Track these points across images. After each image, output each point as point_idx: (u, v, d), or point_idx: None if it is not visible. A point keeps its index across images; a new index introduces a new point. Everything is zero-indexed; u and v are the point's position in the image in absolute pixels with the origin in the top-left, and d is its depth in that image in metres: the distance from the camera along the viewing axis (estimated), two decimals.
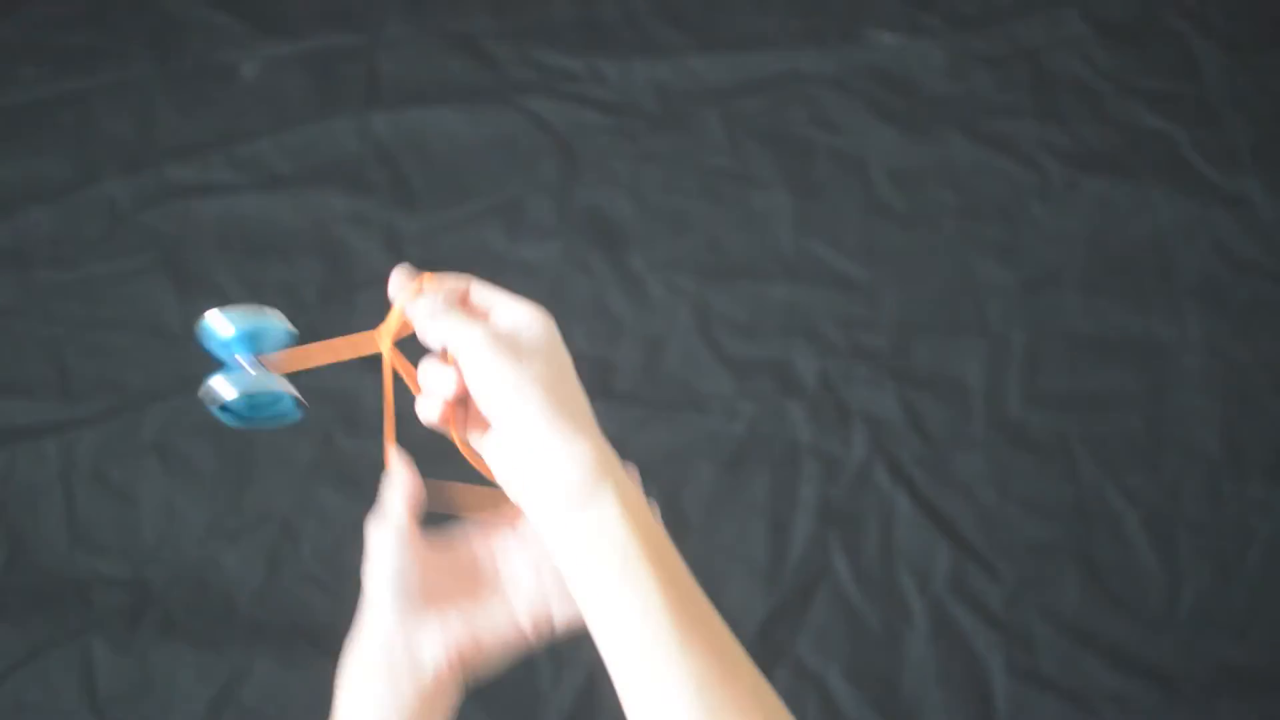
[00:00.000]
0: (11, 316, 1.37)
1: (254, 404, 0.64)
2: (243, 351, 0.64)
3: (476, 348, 0.59)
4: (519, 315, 0.62)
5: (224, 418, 0.64)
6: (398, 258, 1.38)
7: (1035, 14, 1.53)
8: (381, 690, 0.64)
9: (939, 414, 1.31)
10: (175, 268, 1.39)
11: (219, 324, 0.64)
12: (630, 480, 0.60)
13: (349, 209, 1.42)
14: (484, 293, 0.63)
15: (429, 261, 1.38)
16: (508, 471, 0.61)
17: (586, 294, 1.38)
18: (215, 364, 0.65)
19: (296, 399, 0.65)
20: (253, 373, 0.64)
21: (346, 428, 1.29)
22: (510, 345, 0.60)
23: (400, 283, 0.64)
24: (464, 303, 0.63)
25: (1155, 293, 1.38)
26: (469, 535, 0.74)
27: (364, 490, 1.25)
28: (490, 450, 0.63)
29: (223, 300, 1.36)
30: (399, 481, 0.68)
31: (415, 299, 0.62)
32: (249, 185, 1.44)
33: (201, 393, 0.63)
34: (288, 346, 0.65)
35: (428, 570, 0.69)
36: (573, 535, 0.58)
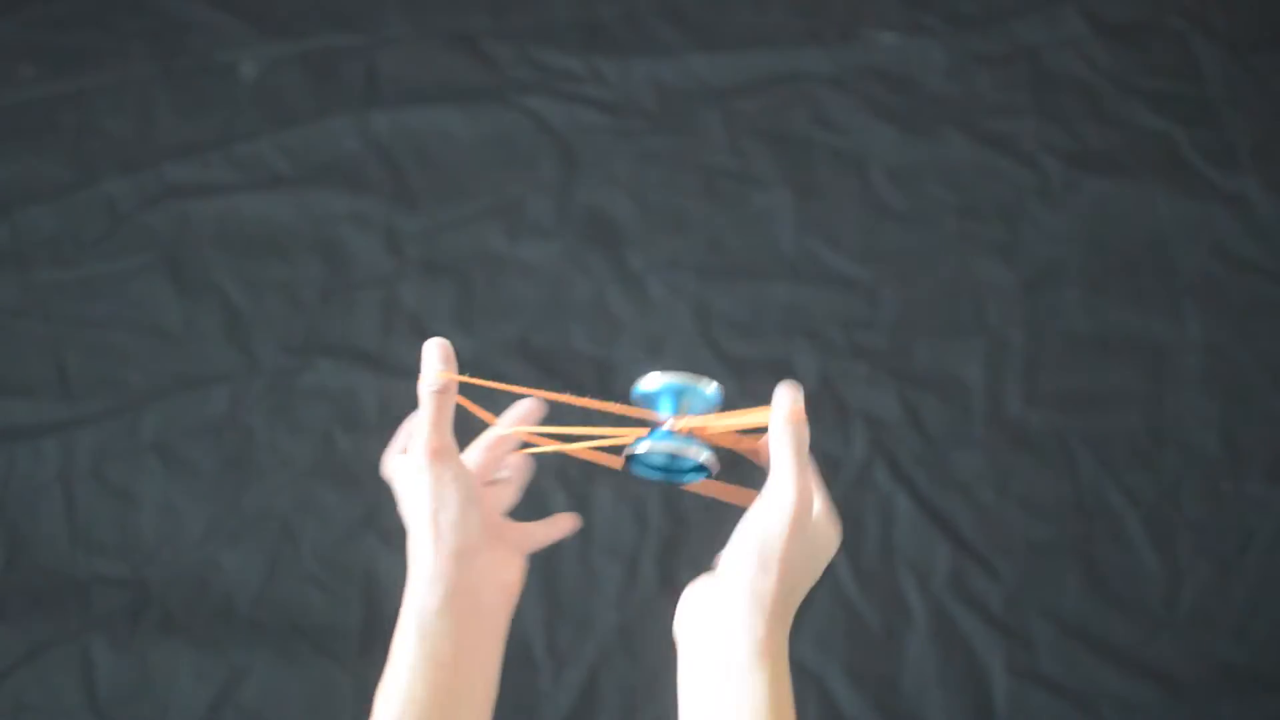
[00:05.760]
0: (11, 316, 1.37)
1: (672, 463, 0.69)
2: (668, 411, 0.68)
3: (803, 510, 0.62)
4: (828, 525, 0.65)
5: (641, 471, 0.69)
6: (398, 257, 1.38)
7: (1035, 14, 1.53)
8: (442, 637, 0.63)
9: (939, 414, 1.31)
10: (175, 268, 1.39)
11: (649, 383, 0.68)
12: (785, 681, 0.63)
13: (349, 209, 1.42)
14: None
15: (430, 261, 1.38)
16: (699, 604, 0.63)
17: (586, 294, 1.38)
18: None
19: (702, 464, 0.68)
20: (674, 433, 0.68)
21: (346, 428, 1.29)
22: (813, 543, 0.63)
23: (790, 398, 0.65)
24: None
25: (1155, 292, 1.37)
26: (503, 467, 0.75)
27: (364, 490, 1.26)
28: (703, 581, 0.64)
29: (222, 300, 1.37)
30: (433, 416, 0.65)
31: (800, 419, 0.64)
32: (249, 185, 1.43)
33: (626, 450, 0.68)
34: (714, 409, 0.69)
35: (482, 509, 0.68)
36: (715, 693, 0.61)
